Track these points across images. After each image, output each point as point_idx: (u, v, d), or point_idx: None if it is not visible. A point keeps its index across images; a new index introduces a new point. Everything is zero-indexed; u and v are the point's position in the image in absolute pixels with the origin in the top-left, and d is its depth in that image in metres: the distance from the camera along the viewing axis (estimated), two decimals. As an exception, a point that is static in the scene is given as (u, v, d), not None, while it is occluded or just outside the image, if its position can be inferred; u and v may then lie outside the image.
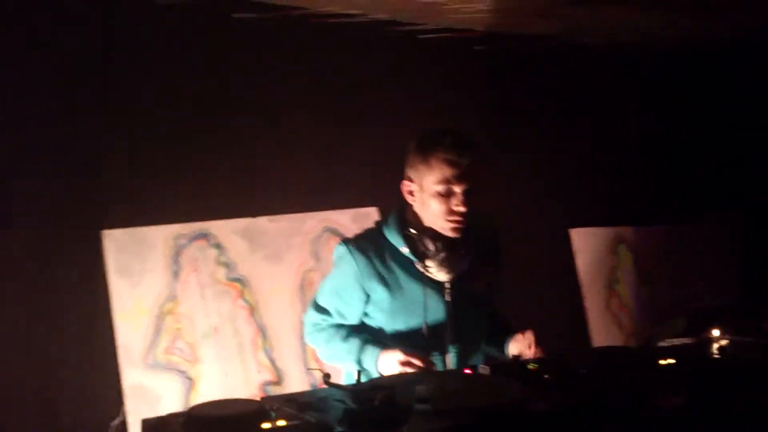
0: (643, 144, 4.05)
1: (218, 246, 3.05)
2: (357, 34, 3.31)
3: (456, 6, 3.08)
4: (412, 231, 2.23)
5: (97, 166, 2.89)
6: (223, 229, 3.08)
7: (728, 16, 3.36)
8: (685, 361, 1.92)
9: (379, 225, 2.34)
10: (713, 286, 4.01)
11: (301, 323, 3.06)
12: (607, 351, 2.13)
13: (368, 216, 3.35)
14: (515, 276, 2.84)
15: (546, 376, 1.78)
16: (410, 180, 2.25)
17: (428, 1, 3.00)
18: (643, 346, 2.18)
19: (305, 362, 3.07)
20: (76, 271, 2.83)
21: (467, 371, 1.90)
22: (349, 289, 2.25)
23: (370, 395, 1.47)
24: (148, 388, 2.79)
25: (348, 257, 2.25)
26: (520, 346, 2.19)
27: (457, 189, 2.14)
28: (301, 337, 3.06)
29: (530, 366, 1.87)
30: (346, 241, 2.31)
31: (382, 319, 2.25)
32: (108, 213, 2.87)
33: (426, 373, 1.96)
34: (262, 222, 3.15)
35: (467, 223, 2.19)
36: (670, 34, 3.61)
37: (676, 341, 2.23)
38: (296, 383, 3.02)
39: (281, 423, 1.43)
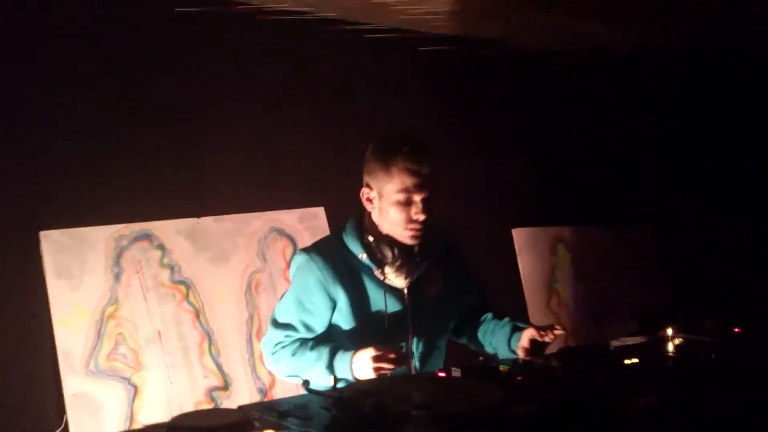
0: (583, 146, 4.13)
1: (161, 247, 2.95)
2: (303, 32, 3.25)
3: (404, 7, 3.07)
4: (370, 238, 2.23)
5: (33, 164, 2.74)
6: (166, 229, 2.98)
7: (663, 26, 3.48)
8: (649, 359, 1.97)
9: (337, 232, 2.31)
10: (643, 284, 4.15)
11: (248, 324, 3.02)
12: (571, 351, 2.15)
13: (315, 216, 3.31)
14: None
15: (519, 378, 1.78)
16: (369, 187, 2.25)
17: (377, 1, 2.98)
18: (597, 346, 2.20)
19: (253, 367, 3.00)
20: (12, 274, 2.68)
21: (441, 374, 1.89)
22: (315, 298, 2.21)
23: (357, 401, 1.44)
24: (90, 397, 2.67)
25: (310, 265, 2.21)
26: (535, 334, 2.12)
27: (417, 197, 2.14)
28: (248, 341, 3.01)
29: (501, 368, 1.87)
30: (305, 250, 2.28)
31: (344, 325, 2.23)
32: (45, 213, 2.73)
33: (404, 377, 1.95)
34: (207, 222, 3.07)
35: (425, 230, 2.19)
36: (612, 41, 3.70)
37: (630, 340, 2.28)
38: (244, 389, 2.95)
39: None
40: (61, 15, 2.76)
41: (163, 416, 2.76)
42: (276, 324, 2.27)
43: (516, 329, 2.21)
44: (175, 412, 2.75)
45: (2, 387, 2.63)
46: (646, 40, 3.73)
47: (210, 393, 2.89)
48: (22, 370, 2.67)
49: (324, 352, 2.14)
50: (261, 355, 2.95)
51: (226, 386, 2.93)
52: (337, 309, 2.22)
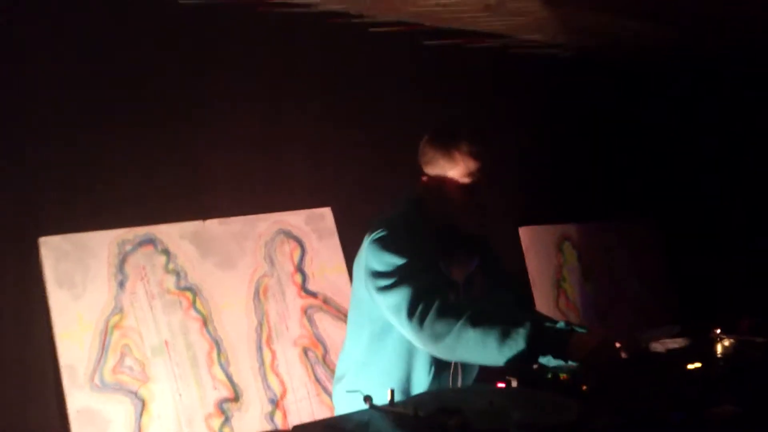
0: (585, 145, 4.08)
1: (166, 252, 2.81)
2: (307, 26, 3.13)
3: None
4: (432, 228, 2.17)
5: (31, 167, 2.57)
6: (170, 233, 2.84)
7: (668, 21, 3.43)
8: (710, 363, 1.90)
9: (401, 219, 2.18)
10: (647, 278, 4.11)
11: (257, 332, 2.89)
12: (630, 357, 2.04)
13: (322, 217, 3.19)
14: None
15: (584, 387, 1.69)
16: (428, 176, 2.17)
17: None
18: (649, 350, 2.11)
19: (263, 376, 2.87)
20: (10, 283, 2.51)
21: (500, 384, 1.78)
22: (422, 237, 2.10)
23: (436, 419, 1.32)
24: (95, 412, 2.52)
25: (399, 231, 2.10)
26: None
27: (480, 183, 2.13)
28: (258, 349, 2.89)
29: (561, 376, 1.78)
30: (383, 226, 2.13)
31: None
32: (44, 218, 2.57)
33: (464, 390, 1.84)
34: (212, 225, 2.93)
35: (484, 219, 2.17)
36: (623, 36, 3.64)
37: (671, 342, 2.20)
38: (254, 400, 2.82)
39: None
40: (59, 13, 2.61)
41: (172, 431, 2.63)
42: (419, 293, 1.96)
43: None
44: (185, 426, 2.63)
45: (1, 404, 2.45)
46: (650, 35, 3.67)
47: (220, 405, 2.76)
48: (22, 385, 2.50)
49: (520, 328, 1.86)
50: (272, 363, 2.84)
51: (236, 397, 2.79)
52: None
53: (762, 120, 4.05)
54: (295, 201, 3.14)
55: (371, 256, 2.10)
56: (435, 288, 1.99)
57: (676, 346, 2.17)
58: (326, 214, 3.21)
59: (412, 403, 1.59)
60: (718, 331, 2.12)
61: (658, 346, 2.20)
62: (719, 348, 2.08)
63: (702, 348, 2.09)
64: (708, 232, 4.18)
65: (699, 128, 4.24)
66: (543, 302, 3.60)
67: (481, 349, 1.85)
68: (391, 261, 2.04)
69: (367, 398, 1.60)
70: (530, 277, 3.60)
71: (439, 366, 2.12)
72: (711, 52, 3.97)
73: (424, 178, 2.19)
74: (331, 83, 3.25)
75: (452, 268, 2.17)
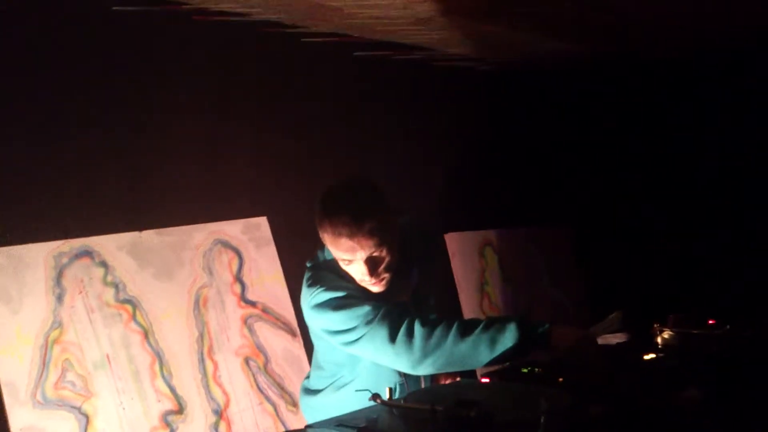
0: (505, 154, 4.26)
1: (104, 264, 2.74)
2: (242, 35, 3.14)
3: (351, 11, 3.04)
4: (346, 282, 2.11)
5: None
6: (107, 245, 2.77)
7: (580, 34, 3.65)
8: (668, 353, 2.05)
9: (324, 265, 2.16)
10: (561, 281, 4.32)
11: (198, 343, 2.87)
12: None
13: (258, 226, 3.20)
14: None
15: (560, 379, 1.79)
16: (324, 241, 2.10)
17: (321, 4, 2.92)
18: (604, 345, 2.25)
19: (206, 387, 2.85)
20: (-56, 299, 2.39)
21: (485, 380, 1.86)
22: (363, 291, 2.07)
23: (454, 413, 1.38)
24: (39, 430, 2.44)
25: (332, 291, 2.06)
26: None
27: (358, 259, 2.00)
28: (200, 360, 2.87)
29: (537, 370, 1.88)
30: (317, 285, 2.09)
31: None
32: (-24, 231, 2.47)
33: (456, 385, 1.90)
34: (149, 236, 2.89)
35: (387, 278, 2.07)
36: (539, 51, 3.83)
37: (613, 337, 2.35)
38: (198, 411, 2.80)
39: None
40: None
41: (117, 446, 2.57)
42: (394, 326, 1.95)
43: None
44: (130, 441, 2.57)
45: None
46: (564, 51, 3.89)
47: (165, 417, 2.71)
48: (-41, 406, 2.38)
49: (508, 324, 1.90)
50: (214, 373, 2.83)
51: (180, 409, 2.76)
52: None
53: (674, 126, 4.33)
54: (231, 211, 3.13)
55: (323, 320, 2.06)
56: (403, 314, 1.98)
57: (620, 340, 2.32)
58: (262, 223, 3.21)
59: (414, 399, 1.64)
60: (657, 324, 2.28)
61: (602, 341, 2.33)
62: (659, 340, 2.24)
63: (644, 340, 2.24)
64: (617, 237, 4.44)
65: (609, 138, 4.49)
66: (469, 305, 3.73)
67: (474, 356, 1.88)
68: (347, 317, 2.00)
69: (376, 395, 1.64)
70: (456, 281, 3.72)
71: (404, 378, 2.16)
72: (630, 55, 4.22)
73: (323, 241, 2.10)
74: (266, 93, 3.26)
75: (396, 291, 2.12)
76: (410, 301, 2.18)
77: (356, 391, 2.01)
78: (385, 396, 1.68)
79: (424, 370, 1.95)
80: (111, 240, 2.78)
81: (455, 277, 3.72)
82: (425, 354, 1.91)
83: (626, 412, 1.55)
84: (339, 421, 1.53)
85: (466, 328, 1.91)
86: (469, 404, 1.38)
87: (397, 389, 2.12)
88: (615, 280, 4.27)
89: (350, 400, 2.00)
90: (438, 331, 1.91)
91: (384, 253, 2.01)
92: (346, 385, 2.18)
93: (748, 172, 4.10)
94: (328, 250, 2.12)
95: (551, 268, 4.26)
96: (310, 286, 2.10)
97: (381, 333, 1.95)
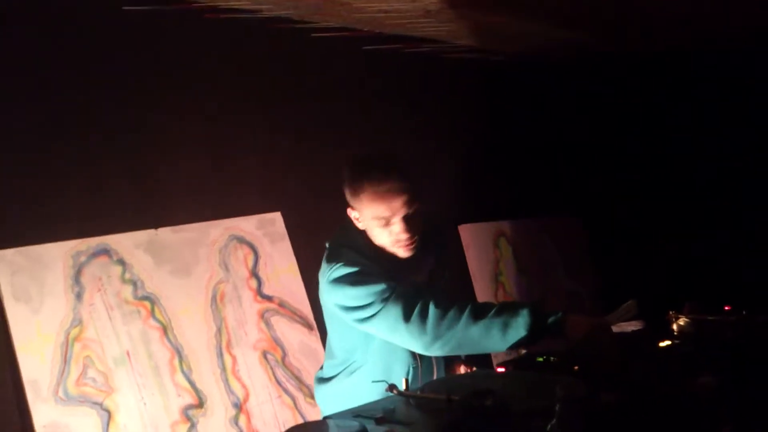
0: (517, 146, 4.26)
1: (122, 262, 2.78)
2: (252, 32, 3.16)
3: (359, 5, 3.05)
4: (369, 252, 2.16)
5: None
6: (124, 243, 2.81)
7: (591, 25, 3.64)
8: (681, 340, 2.05)
9: (346, 242, 2.19)
10: (575, 271, 4.32)
11: (217, 337, 2.90)
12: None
13: (273, 222, 3.22)
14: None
15: (575, 368, 1.80)
16: (351, 208, 2.17)
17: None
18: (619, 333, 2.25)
19: (225, 381, 2.88)
20: (-34, 299, 2.43)
21: (500, 369, 1.88)
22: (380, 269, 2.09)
23: (469, 402, 1.39)
24: (62, 426, 2.48)
25: (354, 264, 2.09)
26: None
27: (395, 218, 2.06)
28: (219, 355, 2.90)
29: (552, 359, 1.89)
30: (336, 261, 2.12)
31: None
32: (-4, 231, 2.50)
33: (471, 375, 1.92)
34: (165, 233, 2.92)
35: (417, 241, 2.12)
36: (550, 41, 3.83)
37: (629, 326, 2.36)
38: (218, 405, 2.83)
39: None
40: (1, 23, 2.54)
41: (139, 440, 2.61)
42: (408, 305, 1.98)
43: None
44: (152, 436, 2.61)
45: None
46: (574, 40, 3.88)
47: (185, 412, 2.75)
48: (-16, 404, 2.42)
49: (521, 311, 1.92)
50: (233, 367, 2.86)
51: (200, 403, 2.79)
52: None
53: (682, 118, 4.32)
54: (245, 207, 3.16)
55: (339, 295, 2.09)
56: (416, 294, 2.00)
57: (635, 328, 2.32)
58: (277, 218, 3.24)
59: (429, 389, 1.66)
60: (672, 312, 2.28)
61: (618, 330, 2.34)
62: (675, 327, 2.24)
63: (659, 328, 2.25)
64: (631, 226, 4.43)
65: (621, 129, 4.49)
66: (483, 296, 3.74)
67: (486, 341, 1.89)
68: (363, 293, 2.03)
69: (393, 386, 1.66)
70: (471, 272, 3.73)
71: (420, 362, 2.18)
72: (636, 53, 4.22)
73: (349, 210, 2.19)
74: (277, 89, 3.28)
75: (411, 275, 2.16)
76: (425, 283, 2.22)
77: (373, 382, 2.03)
78: (402, 386, 1.70)
79: (436, 350, 1.96)
80: (128, 238, 2.82)
81: (469, 268, 3.74)
82: (438, 335, 1.93)
83: (641, 399, 1.56)
84: (356, 413, 1.54)
85: (480, 312, 1.92)
86: (485, 394, 1.39)
87: (410, 373, 2.14)
88: (630, 270, 4.27)
89: (363, 386, 2.03)
90: (451, 313, 1.93)
91: (416, 213, 2.07)
92: (357, 370, 2.21)
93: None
94: (348, 230, 2.16)
95: (566, 258, 4.26)
96: (329, 261, 2.14)
97: (395, 311, 1.97)
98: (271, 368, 3.01)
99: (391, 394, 1.73)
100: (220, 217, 3.08)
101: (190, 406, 2.77)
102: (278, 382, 3.01)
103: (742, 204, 4.12)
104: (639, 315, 2.31)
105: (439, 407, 1.51)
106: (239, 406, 2.88)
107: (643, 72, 4.38)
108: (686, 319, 2.21)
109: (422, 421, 1.46)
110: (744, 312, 2.20)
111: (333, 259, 2.13)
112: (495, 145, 4.13)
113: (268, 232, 3.20)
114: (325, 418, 1.61)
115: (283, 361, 3.05)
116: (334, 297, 2.11)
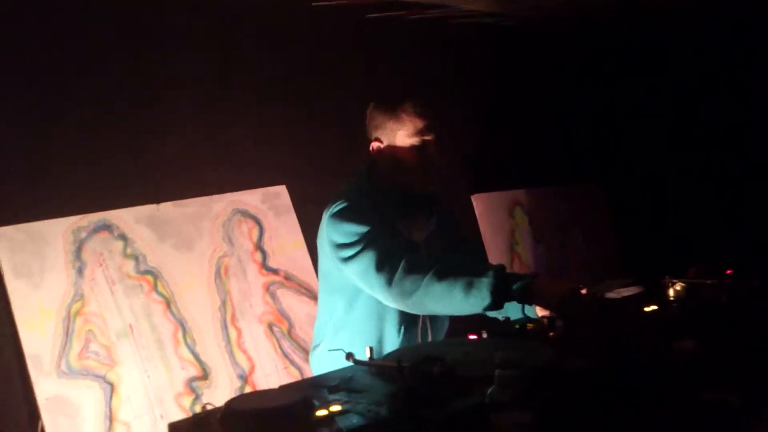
0: (530, 113, 4.17)
1: (123, 237, 2.79)
2: (249, 3, 3.12)
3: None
4: (387, 191, 2.22)
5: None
6: (125, 218, 2.82)
7: None
8: (665, 306, 1.99)
9: (357, 188, 2.24)
10: (593, 239, 4.23)
11: (221, 311, 2.90)
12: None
13: (277, 195, 3.21)
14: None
15: (551, 334, 1.76)
16: (378, 141, 2.22)
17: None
18: (608, 299, 2.19)
19: (230, 353, 2.89)
20: (-34, 276, 2.47)
21: (472, 336, 1.84)
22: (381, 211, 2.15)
23: (420, 369, 1.37)
24: (64, 399, 2.51)
25: (359, 201, 2.14)
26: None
27: (429, 140, 2.17)
28: (223, 327, 2.91)
29: (528, 326, 1.84)
30: (341, 198, 2.17)
31: None
32: (-4, 208, 2.54)
33: (438, 343, 1.90)
34: (167, 208, 2.93)
35: (440, 177, 2.19)
36: (557, 3, 3.72)
37: (626, 291, 2.29)
38: (224, 377, 2.84)
39: (336, 408, 1.30)
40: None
41: (143, 412, 2.64)
42: (384, 255, 2.00)
43: None
44: (156, 407, 2.63)
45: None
46: (586, 4, 3.76)
47: (190, 384, 2.77)
48: (-13, 378, 2.47)
49: (483, 277, 1.89)
50: (238, 340, 2.86)
51: (205, 375, 2.81)
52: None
53: (702, 80, 4.18)
54: (249, 180, 3.15)
55: (332, 230, 2.14)
56: (399, 248, 2.03)
57: (630, 293, 2.26)
58: (281, 191, 3.22)
59: (393, 357, 1.64)
60: (668, 276, 2.21)
61: (613, 295, 2.28)
62: (671, 292, 2.17)
63: (655, 293, 2.18)
64: (648, 192, 4.32)
65: (637, 94, 4.36)
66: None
67: (448, 300, 1.88)
68: (352, 230, 2.08)
69: (350, 355, 1.65)
70: (485, 242, 3.67)
71: (409, 324, 2.17)
72: (650, 18, 4.08)
73: (374, 144, 2.24)
74: (278, 60, 3.25)
75: (411, 229, 2.21)
76: (423, 243, 2.23)
77: (329, 351, 2.03)
78: (366, 355, 1.67)
79: (400, 305, 1.98)
80: (129, 213, 2.83)
81: (483, 237, 3.68)
82: (402, 289, 1.93)
83: (611, 365, 1.51)
84: (313, 381, 1.53)
85: (446, 271, 1.91)
86: (433, 361, 1.37)
87: (401, 335, 2.14)
88: (647, 237, 4.16)
89: (347, 348, 2.01)
90: (419, 270, 1.93)
91: (441, 148, 2.18)
92: (340, 333, 2.22)
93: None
94: (361, 176, 2.21)
95: (583, 226, 4.17)
96: (335, 199, 2.19)
97: (371, 255, 2.01)
98: (277, 340, 3.01)
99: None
100: (223, 191, 3.07)
101: (195, 378, 2.78)
102: (284, 354, 3.01)
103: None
104: (637, 282, 2.26)
105: (392, 374, 1.48)
106: (245, 378, 2.89)
107: (656, 31, 4.23)
108: (682, 284, 2.14)
109: (373, 388, 1.44)
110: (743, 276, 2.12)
111: (339, 197, 2.19)
112: (507, 113, 4.04)
113: (273, 205, 3.19)
114: (281, 387, 1.59)
115: (290, 333, 3.05)
116: (329, 233, 2.15)
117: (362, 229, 2.07)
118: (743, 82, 4.02)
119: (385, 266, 1.98)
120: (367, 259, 2.01)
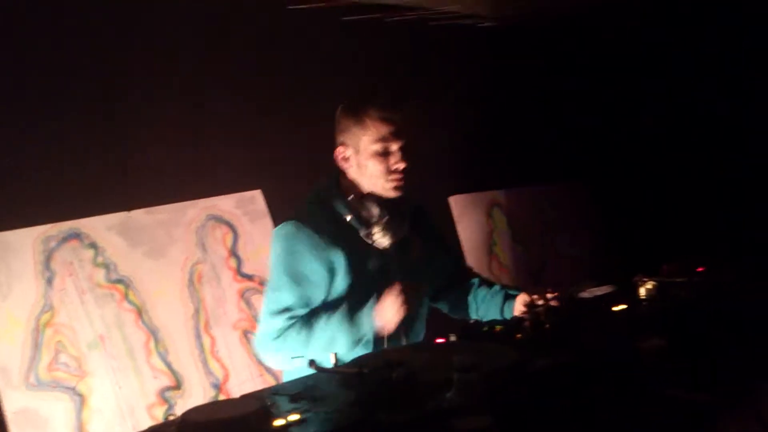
0: (507, 112, 4.15)
1: (93, 246, 2.75)
2: (225, 4, 3.09)
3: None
4: (352, 198, 2.18)
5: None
6: (96, 226, 2.78)
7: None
8: (635, 304, 1.97)
9: (315, 197, 2.23)
10: (574, 239, 4.22)
11: (194, 318, 2.87)
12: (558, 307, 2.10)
13: (252, 200, 3.18)
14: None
15: (518, 335, 1.74)
16: (344, 145, 2.20)
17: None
18: (578, 299, 2.18)
19: (204, 362, 2.85)
20: (-69, 288, 2.43)
21: (440, 340, 1.82)
22: (313, 265, 2.11)
23: (380, 374, 1.35)
24: (33, 411, 2.47)
25: (300, 232, 2.12)
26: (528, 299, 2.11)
27: (394, 146, 2.14)
28: (197, 336, 2.87)
29: (496, 328, 1.83)
30: (287, 221, 2.18)
31: (339, 288, 2.15)
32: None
33: (405, 348, 1.89)
34: (139, 215, 2.89)
35: (406, 182, 2.17)
36: (537, 4, 3.71)
37: (599, 290, 2.28)
38: (197, 386, 2.80)
39: (294, 417, 1.27)
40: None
41: (114, 423, 2.60)
42: (273, 312, 2.12)
43: (509, 296, 2.21)
44: (127, 418, 2.60)
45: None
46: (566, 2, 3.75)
47: (162, 394, 2.73)
48: (-47, 391, 2.42)
49: (340, 312, 2.08)
50: (212, 348, 2.83)
51: (178, 385, 2.77)
52: (335, 272, 2.13)
53: (682, 76, 4.17)
54: (223, 185, 3.11)
55: (271, 246, 2.22)
56: (284, 310, 2.11)
57: (601, 293, 2.25)
58: (256, 196, 3.19)
59: (356, 362, 1.61)
60: (640, 275, 2.20)
61: (585, 295, 2.27)
62: (642, 291, 2.16)
63: (626, 292, 2.17)
64: (632, 190, 4.31)
65: (615, 92, 4.35)
66: (476, 268, 3.64)
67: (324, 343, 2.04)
68: (273, 261, 2.17)
69: (312, 362, 1.62)
70: (462, 244, 3.65)
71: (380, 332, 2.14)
72: (630, 16, 4.07)
73: (339, 148, 2.22)
74: (253, 63, 3.22)
75: (381, 234, 2.15)
76: (393, 251, 2.19)
77: (292, 358, 2.00)
78: (331, 362, 1.65)
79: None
80: (99, 221, 2.79)
81: (461, 240, 3.65)
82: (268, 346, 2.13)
83: (576, 364, 1.49)
84: (276, 390, 1.50)
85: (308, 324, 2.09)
86: (393, 366, 1.35)
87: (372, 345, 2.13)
88: (629, 233, 4.15)
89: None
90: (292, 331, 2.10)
91: (407, 153, 2.16)
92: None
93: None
94: (323, 186, 2.22)
95: (564, 225, 4.15)
96: (290, 216, 2.21)
97: (267, 301, 2.17)
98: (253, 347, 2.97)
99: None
100: (196, 196, 3.03)
101: (167, 388, 2.75)
102: (259, 362, 2.97)
103: (750, 165, 3.97)
104: (610, 281, 2.25)
105: (353, 380, 1.46)
106: (218, 387, 2.85)
107: (639, 28, 4.22)
108: (653, 283, 2.13)
109: (334, 396, 1.41)
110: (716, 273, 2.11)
111: (294, 212, 2.22)
112: (487, 113, 4.02)
113: (247, 210, 3.15)
114: (243, 396, 1.56)
115: (265, 340, 3.00)
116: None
117: (279, 267, 2.14)
118: (727, 75, 4.01)
119: (269, 318, 2.11)
120: (265, 300, 2.18)
